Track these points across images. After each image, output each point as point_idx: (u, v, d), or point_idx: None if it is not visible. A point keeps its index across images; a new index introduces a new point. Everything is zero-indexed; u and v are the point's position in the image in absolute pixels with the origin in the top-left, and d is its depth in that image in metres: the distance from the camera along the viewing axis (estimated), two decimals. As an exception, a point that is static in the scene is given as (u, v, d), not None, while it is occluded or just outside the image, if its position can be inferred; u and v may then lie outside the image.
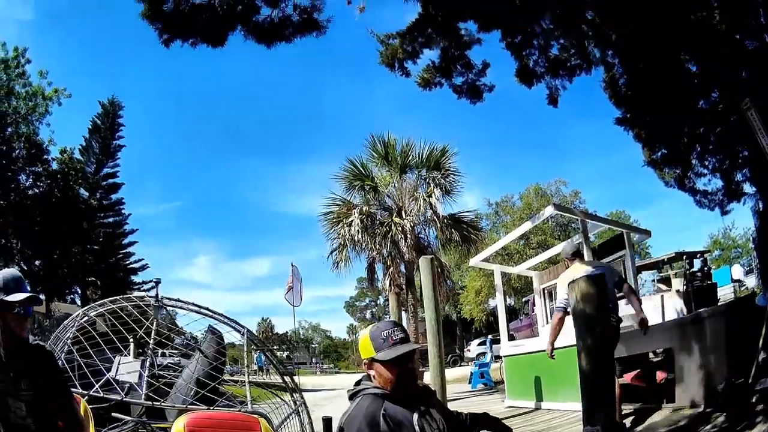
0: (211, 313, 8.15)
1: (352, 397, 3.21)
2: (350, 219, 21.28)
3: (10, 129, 36.08)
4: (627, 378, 9.74)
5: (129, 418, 6.42)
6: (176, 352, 9.64)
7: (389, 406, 3.03)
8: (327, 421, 7.17)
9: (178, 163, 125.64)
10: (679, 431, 7.22)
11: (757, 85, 10.01)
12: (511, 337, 15.43)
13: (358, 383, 3.28)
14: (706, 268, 18.62)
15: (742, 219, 53.24)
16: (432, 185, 21.65)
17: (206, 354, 8.27)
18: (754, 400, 6.97)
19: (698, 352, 8.41)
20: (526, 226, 16.56)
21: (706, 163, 16.68)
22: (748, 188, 16.57)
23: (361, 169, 22.57)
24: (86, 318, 8.03)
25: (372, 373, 3.18)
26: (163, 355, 9.32)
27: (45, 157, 38.83)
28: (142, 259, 47.63)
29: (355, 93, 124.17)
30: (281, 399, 7.68)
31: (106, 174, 45.60)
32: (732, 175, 16.43)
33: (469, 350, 44.18)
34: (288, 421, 7.26)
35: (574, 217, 12.42)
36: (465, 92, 13.11)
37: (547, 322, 15.47)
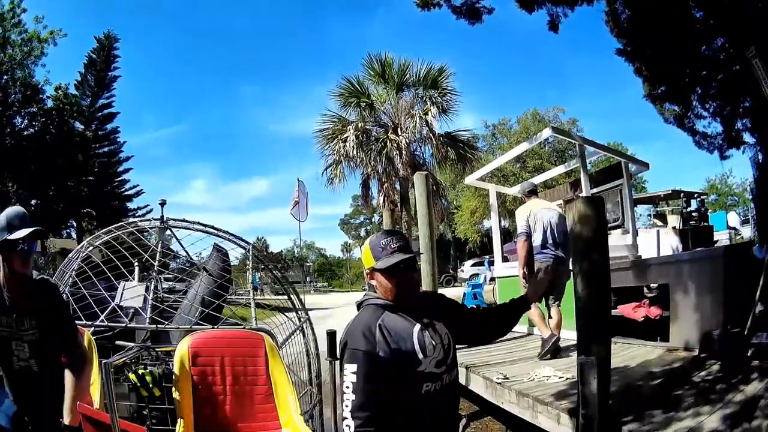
0: (215, 231, 8.08)
1: (358, 308, 3.16)
2: (345, 135, 21.11)
3: (6, 76, 35.80)
4: (621, 310, 9.65)
5: (132, 344, 6.24)
6: (171, 276, 9.41)
7: (388, 317, 2.98)
8: (331, 335, 7.21)
9: (176, 89, 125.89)
10: (673, 373, 6.90)
11: (763, 33, 9.73)
12: (505, 259, 15.23)
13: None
14: (703, 209, 18.36)
15: (740, 168, 52.92)
16: (429, 103, 21.41)
17: (211, 272, 7.98)
18: (749, 353, 6.76)
19: (694, 292, 8.19)
20: (523, 146, 16.25)
21: (707, 106, 16.43)
22: (748, 138, 16.22)
23: (357, 86, 22.26)
24: (91, 248, 7.87)
25: (374, 283, 3.09)
26: (159, 280, 8.28)
27: (40, 96, 38.62)
28: (137, 185, 47.28)
29: (356, 21, 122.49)
30: (285, 316, 7.56)
31: (101, 105, 45.10)
32: (733, 122, 16.18)
33: (462, 270, 44.22)
34: (292, 337, 7.23)
35: (571, 141, 12.12)
36: (464, 13, 12.80)
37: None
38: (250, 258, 7.84)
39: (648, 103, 16.93)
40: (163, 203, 8.23)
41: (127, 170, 46.50)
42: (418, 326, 2.98)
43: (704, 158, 43.78)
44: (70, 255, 7.95)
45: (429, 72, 21.91)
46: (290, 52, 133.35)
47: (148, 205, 45.79)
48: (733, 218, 25.98)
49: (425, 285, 9.12)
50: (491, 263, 24.85)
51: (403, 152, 20.85)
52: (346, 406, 2.78)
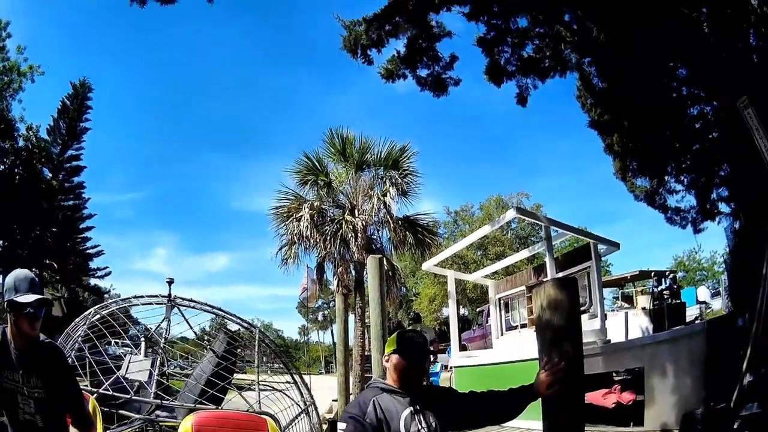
0: (222, 313, 8.46)
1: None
2: (300, 214, 20.34)
3: (-17, 104, 34.98)
4: (590, 398, 9.10)
5: (137, 416, 6.57)
6: (129, 342, 9.63)
7: (385, 397, 3.40)
8: (332, 423, 7.86)
9: (142, 156, 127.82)
10: None
11: (753, 84, 9.42)
12: (463, 348, 14.61)
13: None
14: (675, 287, 18.02)
15: (709, 241, 53.75)
16: (388, 184, 20.81)
17: (217, 353, 8.31)
18: (736, 426, 6.55)
19: (672, 372, 8.00)
20: (485, 229, 15.81)
21: (681, 178, 16.35)
22: (724, 208, 16.32)
23: (316, 163, 21.62)
24: (97, 316, 8.10)
25: (387, 365, 3.55)
26: (116, 344, 9.86)
27: (13, 134, 38.46)
28: (98, 246, 46.90)
29: (321, 97, 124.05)
30: (291, 399, 7.90)
31: (70, 156, 45.06)
32: (708, 193, 16.05)
33: (418, 358, 43.34)
34: (297, 421, 7.59)
35: (536, 224, 11.62)
36: (429, 84, 12.78)
37: (502, 334, 14.76)
38: (257, 341, 8.34)
39: (617, 181, 17.02)
40: (170, 282, 8.49)
41: (89, 228, 46.30)
42: (409, 410, 3.37)
43: (670, 236, 44.15)
44: (76, 320, 8.26)
45: (391, 151, 21.41)
46: (261, 124, 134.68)
47: (107, 267, 46.60)
48: (703, 292, 26.10)
49: (375, 374, 8.71)
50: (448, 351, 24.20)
51: (359, 235, 20.00)
52: None
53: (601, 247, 12.15)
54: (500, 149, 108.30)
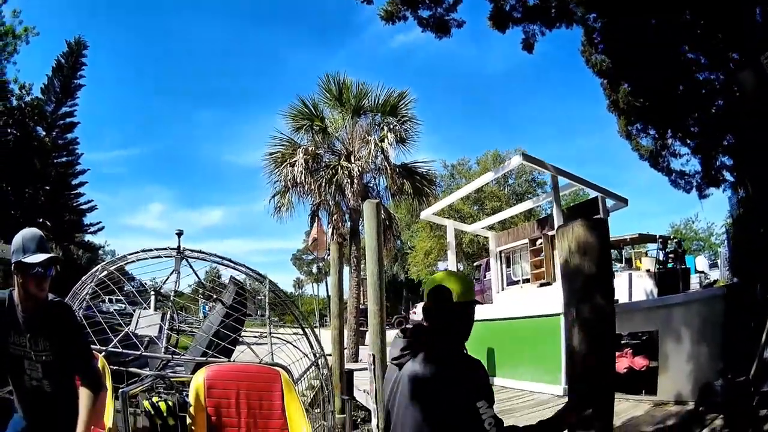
0: (232, 264, 8.32)
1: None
2: (294, 159, 19.79)
3: (-22, 68, 34.66)
4: None
5: (147, 372, 6.42)
6: (123, 299, 9.11)
7: None
8: (349, 373, 7.70)
9: (135, 114, 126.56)
10: (669, 431, 6.08)
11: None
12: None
13: None
14: (680, 251, 17.46)
15: (707, 211, 53.55)
16: (386, 130, 20.24)
17: (226, 304, 8.06)
18: (755, 403, 5.97)
19: (688, 338, 7.37)
20: (488, 176, 15.07)
21: (688, 143, 15.99)
22: (728, 176, 16.13)
23: (311, 108, 21.07)
24: (105, 273, 7.95)
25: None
26: (111, 301, 8.90)
27: (6, 94, 37.70)
28: (92, 201, 46.25)
29: (319, 54, 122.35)
30: (301, 351, 7.79)
31: (64, 113, 44.25)
32: (713, 159, 15.66)
33: (414, 312, 42.74)
34: (308, 372, 7.60)
35: (541, 170, 10.90)
36: (431, 25, 12.06)
37: (503, 289, 14.22)
38: (266, 291, 8.22)
39: (613, 148, 17.30)
40: (179, 233, 8.43)
41: (82, 183, 45.75)
42: None
43: (666, 206, 44.23)
44: (83, 278, 8.12)
45: (389, 97, 20.80)
46: (251, 80, 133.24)
47: (99, 222, 46.42)
48: (702, 262, 25.72)
49: (371, 326, 8.47)
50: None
51: (355, 182, 19.58)
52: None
53: (609, 202, 11.56)
54: (497, 111, 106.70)
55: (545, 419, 3.12)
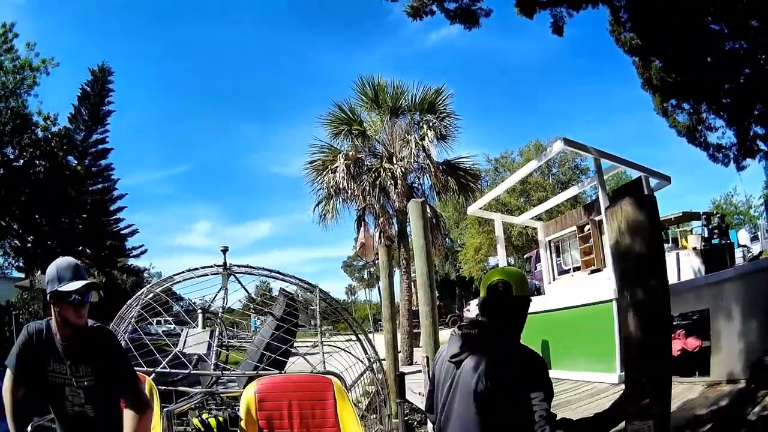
0: (281, 276, 8.30)
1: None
2: (335, 165, 19.72)
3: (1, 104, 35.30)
4: None
5: (195, 390, 6.41)
6: (171, 320, 9.81)
7: None
8: (401, 376, 7.52)
9: (178, 130, 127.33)
10: (723, 412, 5.89)
11: None
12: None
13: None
14: (724, 225, 17.08)
15: (746, 184, 52.78)
16: (426, 128, 20.07)
17: (277, 317, 8.10)
18: None
19: (740, 314, 7.11)
20: (532, 164, 14.86)
21: (722, 114, 15.88)
22: (762, 146, 16.03)
23: (348, 113, 20.96)
24: (151, 294, 8.04)
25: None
26: (158, 323, 9.43)
27: (31, 128, 37.87)
28: (132, 225, 46.88)
29: (352, 55, 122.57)
30: (355, 357, 7.76)
31: (95, 140, 44.85)
32: (747, 130, 15.61)
33: (468, 310, 42.46)
34: (362, 378, 7.52)
35: (583, 154, 10.69)
36: (458, 17, 11.94)
37: (554, 279, 14.04)
38: (317, 301, 8.13)
39: (648, 129, 17.03)
40: (225, 250, 8.30)
41: (121, 208, 46.38)
42: None
43: (705, 182, 43.60)
44: (129, 302, 8.21)
45: (426, 95, 20.58)
46: (288, 88, 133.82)
47: (142, 246, 46.82)
48: (743, 236, 25.53)
49: (423, 327, 8.34)
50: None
51: (399, 182, 19.40)
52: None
53: (653, 182, 11.36)
54: (534, 101, 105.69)
55: (601, 411, 3.23)
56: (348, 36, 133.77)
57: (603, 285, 9.70)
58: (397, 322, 17.84)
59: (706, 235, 16.09)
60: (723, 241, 15.73)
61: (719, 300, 7.42)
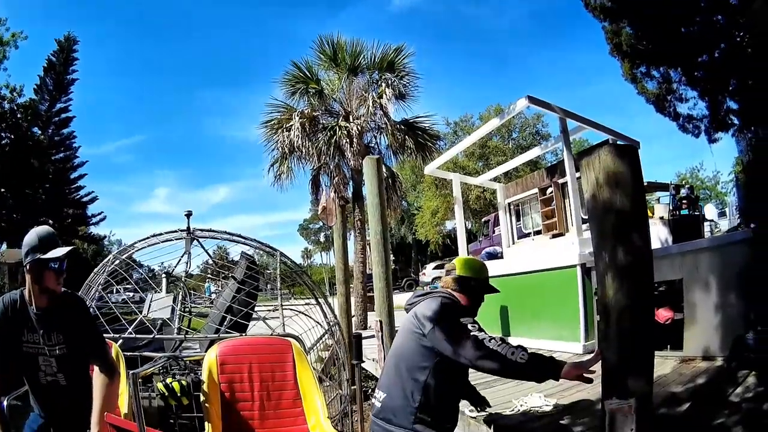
0: (243, 240, 8.41)
1: (425, 295, 4.05)
2: (290, 123, 19.26)
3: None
4: None
5: (159, 355, 6.48)
6: (136, 286, 9.55)
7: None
8: (357, 337, 7.28)
9: (136, 99, 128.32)
10: (700, 391, 5.53)
11: None
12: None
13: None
14: (693, 196, 16.99)
15: (711, 161, 53.52)
16: (384, 86, 19.57)
17: (238, 279, 8.31)
18: None
19: (716, 287, 6.81)
20: (494, 123, 14.37)
21: (694, 85, 16.03)
22: (736, 120, 16.00)
23: (306, 71, 20.39)
24: (117, 261, 8.00)
25: (455, 288, 4.04)
26: (118, 291, 9.39)
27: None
28: (92, 192, 46.53)
29: (315, 18, 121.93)
30: (314, 320, 7.83)
31: (58, 109, 44.49)
32: (721, 102, 15.53)
33: (424, 274, 42.44)
34: (321, 341, 7.73)
35: (548, 112, 10.26)
36: None
37: (513, 242, 13.75)
38: (278, 264, 8.15)
39: (616, 97, 17.16)
40: (189, 214, 8.37)
41: (81, 176, 46.03)
42: None
43: (673, 149, 44.11)
44: (96, 269, 8.21)
45: (385, 54, 20.15)
46: (253, 56, 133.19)
47: (101, 213, 47.05)
48: (711, 210, 25.50)
49: (377, 291, 8.12)
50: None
51: (355, 141, 18.97)
52: (479, 332, 3.51)
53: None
54: (500, 68, 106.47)
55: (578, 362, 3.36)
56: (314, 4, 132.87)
57: (566, 249, 9.40)
58: (352, 285, 17.56)
59: (675, 205, 16.03)
60: (693, 212, 15.71)
61: (694, 271, 7.12)
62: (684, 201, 16.29)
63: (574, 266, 8.72)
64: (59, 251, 3.62)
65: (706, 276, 6.95)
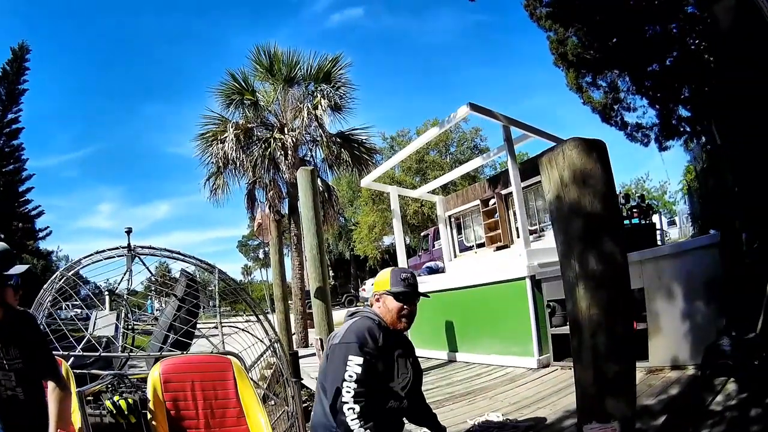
0: (182, 257, 8.15)
1: (351, 316, 3.94)
2: (224, 135, 18.73)
3: None
4: None
5: (106, 372, 6.30)
6: (81, 303, 8.77)
7: (384, 331, 3.68)
8: (294, 355, 7.30)
9: (83, 115, 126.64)
10: (676, 402, 5.37)
11: None
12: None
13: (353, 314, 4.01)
14: (644, 205, 17.01)
15: (655, 171, 54.43)
16: (319, 96, 19.30)
17: (178, 297, 8.23)
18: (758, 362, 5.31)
19: (681, 295, 6.64)
20: (434, 131, 14.01)
21: (643, 93, 16.50)
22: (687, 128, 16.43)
23: (242, 82, 19.87)
24: (63, 278, 7.69)
25: (378, 305, 3.87)
26: (66, 308, 8.52)
27: None
28: (39, 206, 46.11)
29: (255, 35, 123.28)
30: (255, 337, 7.67)
31: (9, 120, 43.92)
32: (673, 110, 15.62)
33: (364, 289, 42.27)
34: (261, 359, 7.54)
35: (491, 119, 9.94)
36: None
37: (455, 256, 13.51)
38: (216, 281, 7.99)
39: (556, 111, 17.47)
40: (129, 231, 8.24)
41: (29, 189, 45.63)
42: (398, 351, 3.72)
43: (616, 164, 44.20)
44: (45, 286, 7.87)
45: (321, 65, 19.81)
46: (193, 70, 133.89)
47: (48, 227, 46.90)
48: (657, 220, 25.47)
49: (315, 306, 8.15)
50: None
51: (290, 153, 18.48)
52: (348, 392, 3.37)
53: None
54: (439, 84, 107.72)
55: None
56: (251, 16, 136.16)
57: (513, 261, 9.15)
58: (290, 302, 17.16)
59: (624, 214, 16.03)
60: (644, 222, 15.73)
61: (656, 278, 6.95)
62: (635, 210, 16.34)
63: (523, 278, 8.53)
64: (20, 268, 3.69)
65: (669, 284, 6.81)
